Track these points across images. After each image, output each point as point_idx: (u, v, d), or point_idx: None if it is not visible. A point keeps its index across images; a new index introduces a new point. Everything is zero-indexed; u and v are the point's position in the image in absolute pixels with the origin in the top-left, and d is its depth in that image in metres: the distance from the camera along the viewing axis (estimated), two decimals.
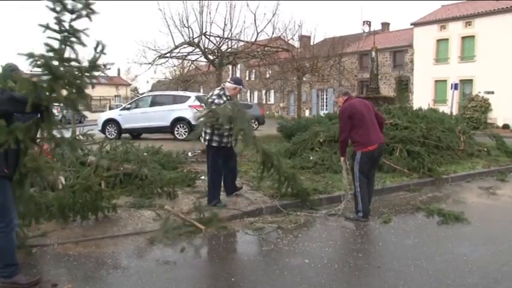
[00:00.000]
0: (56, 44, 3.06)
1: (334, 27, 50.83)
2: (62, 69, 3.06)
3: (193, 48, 14.41)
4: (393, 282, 3.48)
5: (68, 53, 3.11)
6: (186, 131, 14.38)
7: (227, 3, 15.49)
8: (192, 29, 14.06)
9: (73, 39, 3.09)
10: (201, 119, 5.19)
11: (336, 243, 4.56)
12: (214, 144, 5.51)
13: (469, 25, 24.98)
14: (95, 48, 3.18)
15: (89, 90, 3.32)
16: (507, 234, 4.75)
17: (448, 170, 7.98)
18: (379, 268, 3.82)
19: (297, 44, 21.90)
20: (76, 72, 3.12)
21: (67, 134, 3.41)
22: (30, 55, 2.99)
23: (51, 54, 3.04)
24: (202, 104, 14.18)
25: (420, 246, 4.36)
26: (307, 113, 32.55)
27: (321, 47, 22.17)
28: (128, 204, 5.47)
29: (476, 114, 23.01)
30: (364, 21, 34.93)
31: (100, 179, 5.17)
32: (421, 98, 25.40)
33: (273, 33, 15.88)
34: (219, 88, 5.77)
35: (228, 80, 5.90)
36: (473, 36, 24.65)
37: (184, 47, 14.65)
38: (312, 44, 23.13)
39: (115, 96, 56.21)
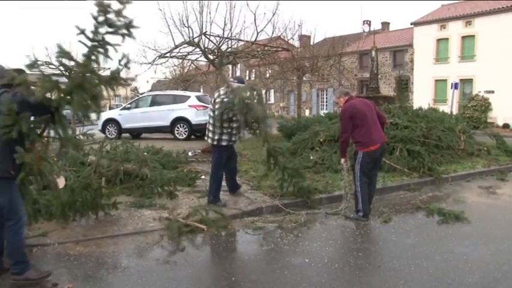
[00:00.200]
0: (84, 50, 3.13)
1: (334, 27, 50.90)
2: (82, 76, 3.10)
3: (193, 47, 14.39)
4: (393, 282, 3.48)
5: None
6: (186, 131, 14.39)
7: (227, 3, 15.51)
8: (192, 29, 14.07)
9: (101, 50, 3.14)
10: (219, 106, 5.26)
11: (336, 242, 4.57)
12: (223, 143, 5.52)
13: (469, 25, 24.96)
14: (119, 61, 3.24)
15: None
16: (507, 234, 4.75)
17: (448, 170, 7.99)
18: (380, 267, 3.83)
19: (297, 43, 21.92)
20: (96, 81, 3.16)
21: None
22: (62, 53, 3.02)
23: (78, 60, 3.10)
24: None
25: (420, 245, 4.36)
26: (307, 112, 32.53)
27: (321, 46, 22.19)
28: (128, 204, 5.47)
29: (476, 114, 23.00)
30: (364, 21, 34.90)
31: (100, 177, 5.18)
32: (421, 97, 25.39)
33: (273, 32, 15.90)
34: (223, 88, 5.74)
35: (231, 79, 5.90)
36: (473, 36, 24.63)
37: (184, 47, 14.64)
38: (312, 43, 23.14)
39: (115, 96, 56.12)
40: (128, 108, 15.48)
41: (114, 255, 4.02)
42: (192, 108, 14.31)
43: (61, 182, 4.81)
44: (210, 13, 14.64)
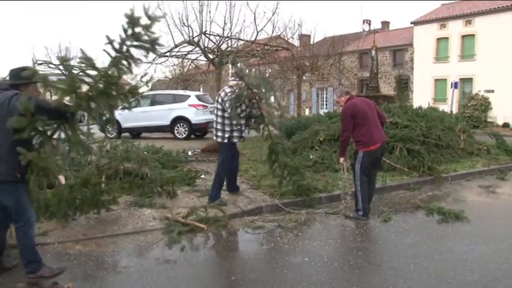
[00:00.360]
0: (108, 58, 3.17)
1: (334, 26, 50.76)
2: (107, 85, 3.14)
3: (193, 47, 14.40)
4: (393, 281, 3.48)
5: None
6: (185, 130, 14.38)
7: (227, 3, 15.54)
8: (191, 28, 14.08)
9: (124, 62, 3.17)
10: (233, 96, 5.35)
11: (336, 241, 4.57)
12: (235, 140, 5.63)
13: (469, 24, 24.95)
14: (141, 77, 3.31)
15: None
16: (507, 233, 4.75)
17: (448, 169, 7.99)
18: (379, 266, 3.83)
19: (296, 42, 21.91)
20: (115, 92, 3.17)
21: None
22: (85, 60, 3.05)
23: (100, 68, 3.14)
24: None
25: (420, 244, 4.37)
26: (307, 111, 32.52)
27: (320, 45, 22.18)
28: (128, 203, 5.47)
29: (476, 113, 22.98)
30: (364, 20, 34.83)
31: (100, 174, 5.18)
32: (421, 96, 25.38)
33: (272, 32, 15.91)
34: (229, 86, 5.77)
35: (231, 78, 5.94)
36: (473, 35, 24.62)
37: (184, 46, 14.65)
38: (311, 42, 23.12)
39: None
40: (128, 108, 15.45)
41: (114, 255, 4.03)
42: (192, 108, 14.31)
43: (60, 180, 4.81)
44: (210, 12, 14.72)
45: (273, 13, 15.29)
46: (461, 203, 6.04)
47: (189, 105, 14.39)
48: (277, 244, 4.39)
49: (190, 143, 12.86)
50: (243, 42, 15.38)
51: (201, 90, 29.25)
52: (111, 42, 3.15)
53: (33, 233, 3.42)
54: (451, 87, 21.78)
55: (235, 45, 15.38)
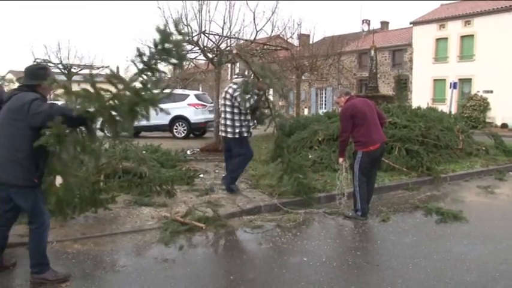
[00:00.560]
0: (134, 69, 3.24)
1: (333, 26, 51.01)
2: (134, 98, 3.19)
3: (192, 46, 14.38)
4: (391, 281, 3.49)
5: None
6: (184, 130, 14.36)
7: (226, 2, 15.44)
8: (191, 27, 14.04)
9: (149, 73, 3.22)
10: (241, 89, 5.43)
11: (335, 241, 4.57)
12: (245, 134, 5.83)
13: (468, 24, 24.98)
14: (162, 89, 3.33)
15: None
16: (505, 233, 4.76)
17: (446, 169, 8.00)
18: (378, 266, 3.83)
19: (296, 42, 21.88)
20: (135, 102, 3.22)
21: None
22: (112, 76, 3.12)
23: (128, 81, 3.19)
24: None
25: (418, 244, 4.37)
26: (306, 111, 32.52)
27: (320, 45, 22.15)
28: (126, 202, 5.46)
29: (475, 113, 23.02)
30: (363, 20, 34.77)
31: (98, 173, 5.17)
32: (420, 96, 25.38)
33: (272, 31, 15.89)
34: (233, 83, 5.86)
35: (234, 76, 6.01)
36: (473, 36, 24.65)
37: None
38: (311, 42, 23.10)
39: None
40: None
41: (113, 254, 4.02)
42: (191, 107, 14.30)
43: (57, 180, 4.80)
44: (209, 12, 14.61)
45: (272, 13, 15.31)
46: (460, 203, 6.05)
47: (188, 104, 14.37)
48: (275, 244, 4.39)
49: (189, 142, 12.86)
50: (242, 41, 15.36)
51: (200, 89, 29.23)
52: (141, 55, 3.19)
53: (47, 236, 3.42)
54: (450, 87, 21.79)
55: (234, 44, 15.36)
